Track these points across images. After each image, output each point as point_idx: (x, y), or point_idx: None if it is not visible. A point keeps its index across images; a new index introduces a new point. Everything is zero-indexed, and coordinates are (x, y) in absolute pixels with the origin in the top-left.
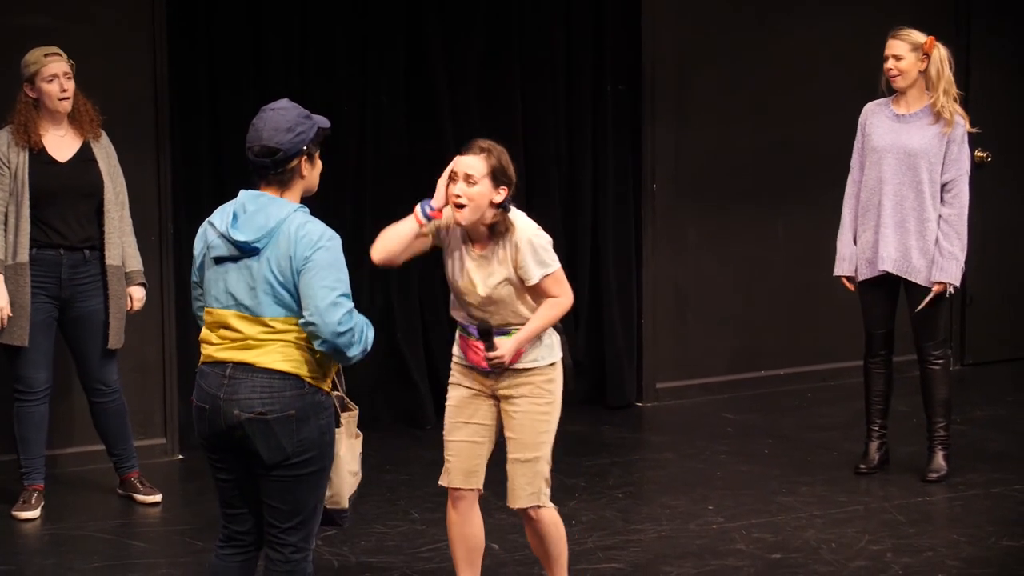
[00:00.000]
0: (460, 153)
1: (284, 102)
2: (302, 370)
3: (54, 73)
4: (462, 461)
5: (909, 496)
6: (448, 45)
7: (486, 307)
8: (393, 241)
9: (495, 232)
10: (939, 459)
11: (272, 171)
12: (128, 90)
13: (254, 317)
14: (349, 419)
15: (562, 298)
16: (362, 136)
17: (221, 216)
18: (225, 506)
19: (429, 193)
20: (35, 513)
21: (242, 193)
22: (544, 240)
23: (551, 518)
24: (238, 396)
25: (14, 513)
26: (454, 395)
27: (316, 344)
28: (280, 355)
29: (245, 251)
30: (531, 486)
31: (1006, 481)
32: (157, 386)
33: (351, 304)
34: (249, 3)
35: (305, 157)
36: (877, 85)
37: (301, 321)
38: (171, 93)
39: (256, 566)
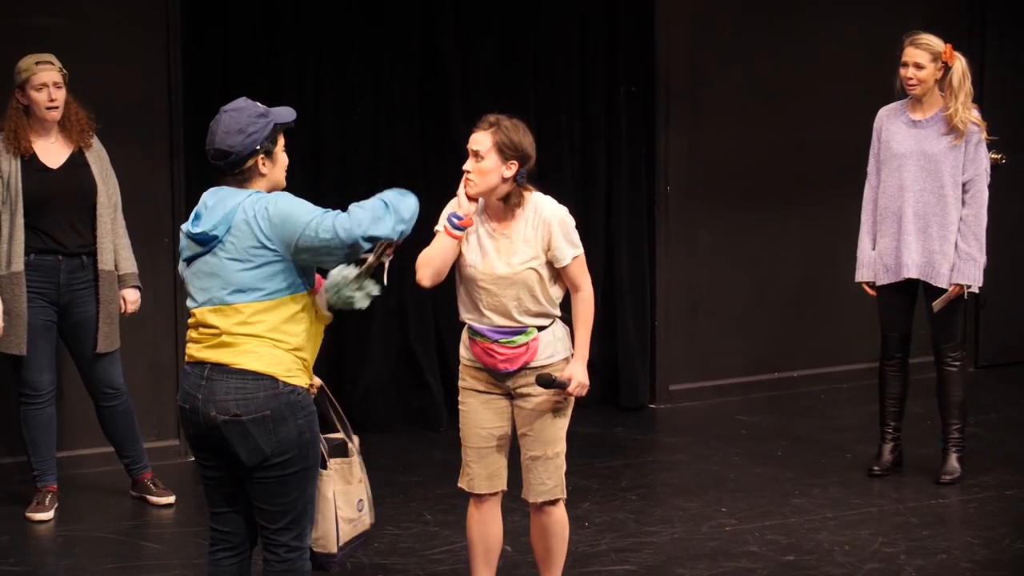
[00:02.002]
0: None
1: (240, 102)
2: (276, 369)
3: (43, 82)
4: (484, 467)
5: (923, 498)
6: (462, 47)
7: (503, 290)
8: (438, 261)
9: (509, 204)
10: (953, 461)
11: (228, 172)
12: (141, 92)
13: (227, 307)
14: (342, 465)
15: (585, 290)
16: (376, 137)
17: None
18: (212, 505)
19: (441, 194)
20: (49, 514)
21: (204, 193)
22: (572, 222)
23: (563, 514)
24: (215, 398)
25: (28, 514)
26: (469, 401)
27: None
28: (253, 355)
29: (205, 242)
30: (552, 480)
31: (1020, 483)
32: (170, 387)
33: (332, 211)
34: (264, 5)
35: (262, 156)
36: (890, 87)
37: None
38: (184, 94)
39: (250, 567)
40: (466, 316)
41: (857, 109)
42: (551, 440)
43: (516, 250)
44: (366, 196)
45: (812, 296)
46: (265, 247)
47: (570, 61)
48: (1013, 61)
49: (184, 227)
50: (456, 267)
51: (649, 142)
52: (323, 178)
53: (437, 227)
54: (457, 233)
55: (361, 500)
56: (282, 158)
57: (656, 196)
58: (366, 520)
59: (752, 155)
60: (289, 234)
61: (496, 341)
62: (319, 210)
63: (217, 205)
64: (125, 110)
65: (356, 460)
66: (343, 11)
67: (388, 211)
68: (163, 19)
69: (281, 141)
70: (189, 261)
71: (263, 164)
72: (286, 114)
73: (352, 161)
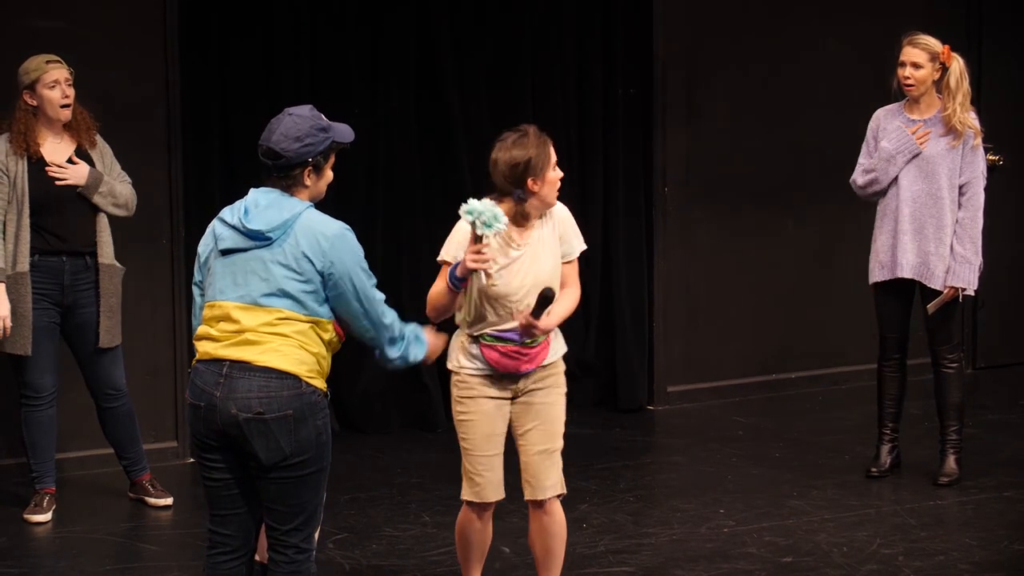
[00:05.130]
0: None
1: (305, 109)
2: (300, 369)
3: (55, 79)
4: (495, 474)
5: (921, 500)
6: (459, 49)
7: (531, 297)
8: (443, 307)
9: (528, 216)
10: (951, 463)
11: (274, 173)
12: (139, 95)
13: (258, 307)
14: None
15: (577, 288)
16: (373, 142)
17: (232, 212)
18: (213, 508)
19: (438, 196)
20: (47, 516)
21: (252, 191)
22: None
23: (562, 512)
24: (236, 395)
25: (26, 516)
26: (480, 408)
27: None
28: (278, 354)
29: (258, 240)
30: (555, 475)
31: (1018, 485)
32: (168, 389)
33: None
34: (261, 9)
35: (310, 168)
36: (888, 88)
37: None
38: (182, 98)
39: (248, 570)
40: (483, 327)
41: (855, 109)
42: (555, 434)
43: (538, 256)
44: (361, 200)
45: (809, 297)
46: (314, 266)
47: (567, 63)
48: (1011, 63)
49: (232, 218)
50: (473, 286)
51: (646, 143)
52: None
53: (441, 256)
54: (458, 287)
55: None
56: (328, 175)
57: (654, 198)
58: None
59: (749, 157)
60: (338, 271)
61: (523, 343)
62: (372, 277)
63: (271, 207)
64: (123, 113)
65: None
66: (340, 16)
67: (399, 344)
68: (161, 23)
69: (332, 159)
70: (226, 252)
71: (308, 176)
72: (346, 134)
73: (348, 166)
